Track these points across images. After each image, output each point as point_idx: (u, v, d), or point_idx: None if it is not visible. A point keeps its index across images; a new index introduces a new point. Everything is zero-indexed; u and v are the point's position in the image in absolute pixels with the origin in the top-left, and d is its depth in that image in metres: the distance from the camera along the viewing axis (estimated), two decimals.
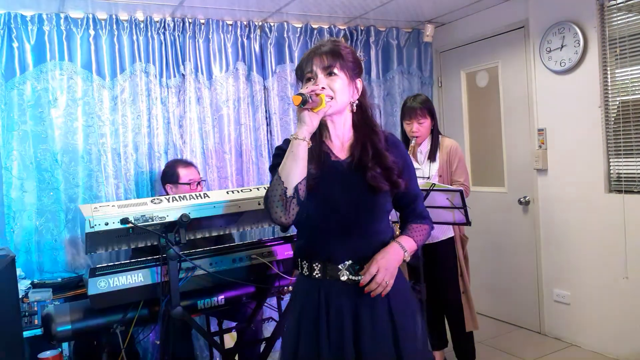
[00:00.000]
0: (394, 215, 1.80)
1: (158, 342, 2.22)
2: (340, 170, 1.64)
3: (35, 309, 2.61)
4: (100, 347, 2.23)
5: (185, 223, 2.06)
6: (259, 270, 2.35)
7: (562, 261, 3.59)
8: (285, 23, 3.80)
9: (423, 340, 1.73)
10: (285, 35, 3.81)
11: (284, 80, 3.82)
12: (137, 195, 3.35)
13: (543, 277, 3.74)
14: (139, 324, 2.22)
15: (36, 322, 2.56)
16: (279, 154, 1.62)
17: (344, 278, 1.59)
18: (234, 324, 2.77)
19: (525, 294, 3.87)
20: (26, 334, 2.45)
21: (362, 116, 1.67)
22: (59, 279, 2.99)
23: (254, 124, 3.74)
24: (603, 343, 3.37)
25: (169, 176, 3.03)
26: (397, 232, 1.76)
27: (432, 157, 3.07)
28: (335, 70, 1.58)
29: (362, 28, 4.11)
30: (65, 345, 2.68)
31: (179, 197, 2.16)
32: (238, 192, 2.29)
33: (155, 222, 2.04)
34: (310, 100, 1.47)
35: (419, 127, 3.03)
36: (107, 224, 1.97)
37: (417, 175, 2.89)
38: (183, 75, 3.51)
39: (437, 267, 3.07)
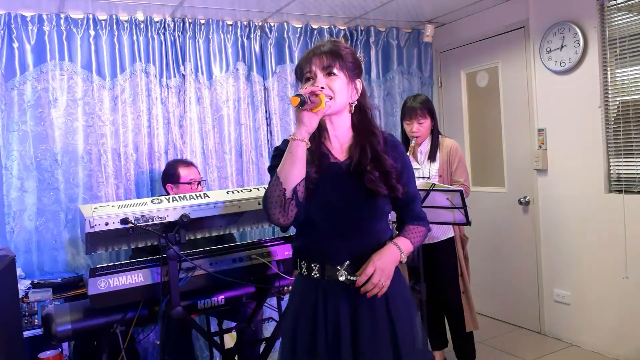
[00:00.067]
0: (393, 216, 1.80)
1: (158, 342, 2.23)
2: (339, 172, 1.63)
3: (35, 309, 2.61)
4: (100, 347, 2.23)
5: (185, 223, 2.06)
6: (259, 270, 2.35)
7: (562, 261, 3.59)
8: (285, 23, 3.80)
9: (423, 340, 1.73)
10: (285, 35, 3.81)
11: (284, 81, 3.82)
12: (137, 196, 3.36)
13: (543, 277, 3.74)
14: (139, 324, 2.22)
15: (36, 322, 2.56)
16: (277, 155, 1.62)
17: (342, 278, 1.59)
18: (234, 324, 2.77)
19: (525, 294, 3.87)
20: (26, 334, 2.46)
21: (361, 117, 1.67)
22: (59, 279, 2.99)
23: (254, 124, 3.75)
24: (603, 343, 3.38)
25: (170, 176, 3.03)
26: (397, 232, 1.76)
27: (432, 157, 3.07)
28: (335, 70, 1.58)
29: (362, 28, 4.12)
30: (65, 345, 2.69)
31: (179, 197, 2.16)
32: (238, 192, 2.29)
33: (155, 222, 2.04)
34: (308, 101, 1.47)
35: (419, 127, 3.03)
36: (107, 224, 1.96)
37: (417, 175, 2.93)
38: (183, 75, 3.51)
39: (437, 267, 3.07)
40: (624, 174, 3.21)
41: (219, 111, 3.62)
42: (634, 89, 3.13)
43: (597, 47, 3.24)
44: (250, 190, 2.31)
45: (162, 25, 3.43)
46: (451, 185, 2.98)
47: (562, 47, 3.42)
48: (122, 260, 3.17)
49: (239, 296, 2.43)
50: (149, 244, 2.28)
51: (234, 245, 2.50)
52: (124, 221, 1.98)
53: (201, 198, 2.18)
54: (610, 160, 3.27)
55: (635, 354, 3.17)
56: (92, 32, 3.26)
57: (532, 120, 3.71)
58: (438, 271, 3.08)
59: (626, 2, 3.10)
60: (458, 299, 3.09)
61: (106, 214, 1.98)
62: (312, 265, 1.63)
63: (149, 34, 3.40)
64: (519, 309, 3.95)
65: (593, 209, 3.35)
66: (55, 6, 3.11)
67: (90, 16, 3.24)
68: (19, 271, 2.81)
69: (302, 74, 1.63)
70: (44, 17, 3.13)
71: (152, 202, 2.10)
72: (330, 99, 1.54)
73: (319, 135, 1.65)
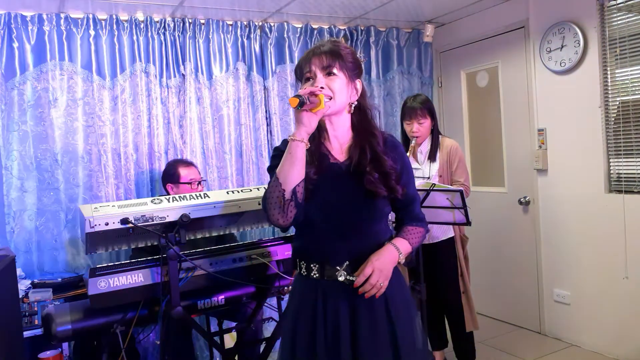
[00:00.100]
0: (393, 217, 1.80)
1: (158, 342, 2.23)
2: (339, 172, 1.63)
3: (35, 309, 2.61)
4: (100, 347, 2.23)
5: (185, 223, 2.06)
6: (259, 270, 2.35)
7: (562, 261, 3.59)
8: (285, 23, 3.80)
9: (423, 340, 1.73)
10: (285, 35, 3.81)
11: (284, 81, 3.82)
12: (137, 196, 3.36)
13: (543, 277, 3.74)
14: (139, 324, 2.22)
15: (36, 322, 2.56)
16: (277, 155, 1.62)
17: (341, 279, 1.59)
18: (234, 324, 2.78)
19: (525, 294, 3.87)
20: (26, 334, 2.46)
21: (361, 118, 1.66)
22: (59, 279, 2.99)
23: (254, 124, 3.75)
24: (603, 343, 3.38)
25: (170, 176, 3.04)
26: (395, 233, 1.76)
27: (432, 157, 3.07)
28: (335, 70, 1.58)
29: (362, 28, 4.11)
30: (65, 345, 2.69)
31: (179, 197, 2.16)
32: (238, 192, 2.29)
33: (155, 222, 2.04)
34: (307, 101, 1.46)
35: (419, 127, 3.03)
36: (107, 224, 1.96)
37: (417, 175, 2.94)
38: (183, 75, 3.51)
39: (437, 267, 3.07)
40: (624, 174, 3.21)
41: (219, 111, 3.62)
42: (634, 89, 3.13)
43: (597, 47, 3.24)
44: (250, 190, 2.31)
45: (162, 25, 3.43)
46: (451, 185, 2.98)
47: (562, 47, 3.42)
48: (122, 260, 3.17)
49: (239, 296, 2.43)
50: (149, 244, 2.29)
51: (234, 245, 2.50)
52: (124, 221, 1.98)
53: (201, 198, 2.18)
54: (610, 160, 3.27)
55: (635, 354, 3.17)
56: (92, 32, 3.26)
57: (532, 120, 3.71)
58: (438, 271, 3.08)
59: (626, 2, 3.10)
60: (458, 299, 3.09)
61: (106, 214, 1.98)
62: (312, 265, 1.63)
63: (149, 33, 3.40)
64: (519, 309, 3.95)
65: (593, 209, 3.35)
66: (55, 6, 3.11)
67: (90, 16, 3.24)
68: (19, 271, 2.81)
69: (302, 74, 1.62)
70: (44, 17, 3.13)
71: (152, 202, 2.11)
72: (330, 99, 1.54)
73: (319, 136, 1.64)
